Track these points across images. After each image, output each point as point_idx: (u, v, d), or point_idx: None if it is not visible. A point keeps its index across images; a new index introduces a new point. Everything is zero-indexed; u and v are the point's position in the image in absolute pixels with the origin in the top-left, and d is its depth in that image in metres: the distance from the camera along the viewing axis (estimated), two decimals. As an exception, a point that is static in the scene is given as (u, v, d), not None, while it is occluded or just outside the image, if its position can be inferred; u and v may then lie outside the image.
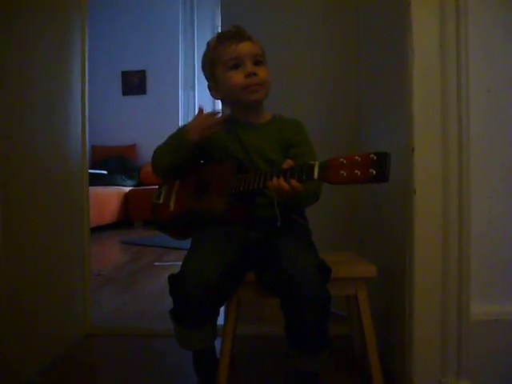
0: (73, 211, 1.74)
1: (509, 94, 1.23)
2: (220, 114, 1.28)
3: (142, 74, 6.67)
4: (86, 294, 1.82)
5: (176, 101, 6.59)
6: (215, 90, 1.33)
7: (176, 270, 1.16)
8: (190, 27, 6.63)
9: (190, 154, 1.27)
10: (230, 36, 1.27)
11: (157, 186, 1.41)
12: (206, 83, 1.35)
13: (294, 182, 1.04)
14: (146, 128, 6.41)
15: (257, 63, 1.26)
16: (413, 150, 1.19)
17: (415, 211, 1.19)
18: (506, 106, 1.23)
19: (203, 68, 1.35)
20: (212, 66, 1.30)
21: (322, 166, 0.99)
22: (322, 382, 1.23)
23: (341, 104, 1.91)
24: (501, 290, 1.24)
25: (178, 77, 6.59)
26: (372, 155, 0.92)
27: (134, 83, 6.68)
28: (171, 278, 1.18)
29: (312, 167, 1.01)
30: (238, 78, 1.24)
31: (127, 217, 5.66)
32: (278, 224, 1.16)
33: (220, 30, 1.54)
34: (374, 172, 0.91)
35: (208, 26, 6.49)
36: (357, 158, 0.94)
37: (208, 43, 1.33)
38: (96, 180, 5.16)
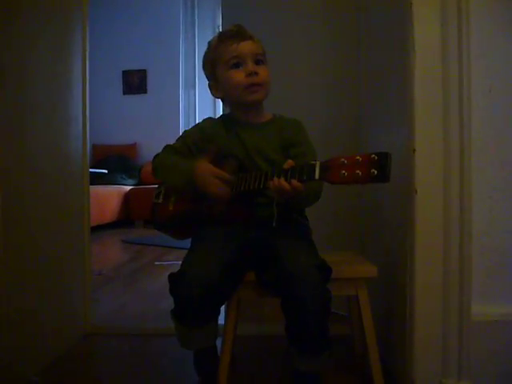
0: (73, 210, 1.74)
1: (511, 93, 1.23)
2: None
3: (142, 74, 6.66)
4: (87, 293, 1.82)
5: (176, 100, 6.59)
6: (216, 89, 1.32)
7: (176, 269, 1.16)
8: (190, 26, 6.63)
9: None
10: (231, 35, 1.27)
11: (157, 186, 1.41)
12: (207, 82, 1.35)
13: (294, 181, 1.04)
14: (146, 127, 6.42)
15: (257, 62, 1.26)
16: (414, 150, 1.18)
17: (416, 211, 1.18)
18: (507, 105, 1.23)
19: (204, 67, 1.35)
20: (213, 65, 1.30)
21: (322, 166, 0.99)
22: (323, 381, 1.23)
23: (341, 104, 1.90)
24: (502, 291, 1.24)
25: (179, 76, 6.59)
26: (373, 155, 0.92)
27: (134, 82, 6.68)
28: (171, 276, 1.18)
29: (313, 167, 1.01)
30: (239, 77, 1.24)
31: (128, 216, 5.66)
32: (273, 224, 1.17)
33: (221, 30, 1.54)
34: (376, 172, 0.91)
35: (209, 26, 6.48)
36: (358, 157, 0.93)
37: (209, 42, 1.33)
38: (96, 179, 5.16)
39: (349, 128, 1.86)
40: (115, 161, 6.28)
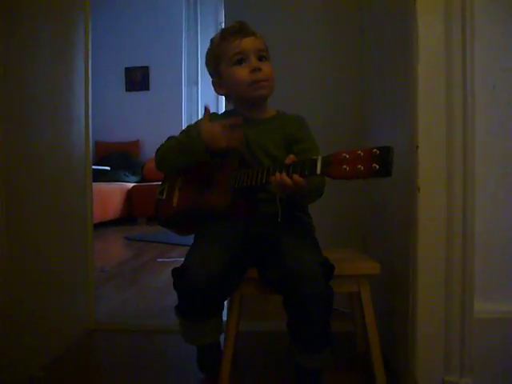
0: (76, 207, 1.75)
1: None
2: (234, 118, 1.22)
3: (145, 71, 6.67)
4: (90, 289, 1.83)
5: (179, 97, 6.60)
6: (219, 85, 1.32)
7: (179, 265, 1.16)
8: (193, 23, 6.63)
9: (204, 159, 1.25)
10: (234, 31, 1.27)
11: (160, 182, 1.41)
12: (210, 79, 1.35)
13: (296, 177, 1.04)
14: (149, 124, 6.42)
15: (261, 58, 1.26)
16: (417, 147, 1.18)
17: (419, 208, 1.18)
18: (511, 102, 1.23)
19: (207, 64, 1.35)
20: (216, 62, 1.30)
21: (324, 161, 0.99)
22: (325, 378, 1.23)
23: (344, 100, 1.90)
24: (504, 289, 1.23)
25: (181, 73, 6.59)
26: (375, 150, 0.91)
27: (137, 79, 6.68)
28: (174, 271, 1.18)
29: (315, 162, 1.00)
30: (242, 73, 1.24)
31: (130, 213, 5.67)
32: (279, 220, 1.16)
33: (223, 26, 1.54)
34: (377, 167, 0.90)
35: (211, 23, 6.49)
36: (359, 152, 0.93)
37: (212, 39, 1.33)
38: (99, 176, 5.17)
39: (351, 124, 1.86)
40: (118, 158, 6.28)
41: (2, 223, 1.24)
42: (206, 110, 1.28)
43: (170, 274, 1.19)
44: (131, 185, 5.88)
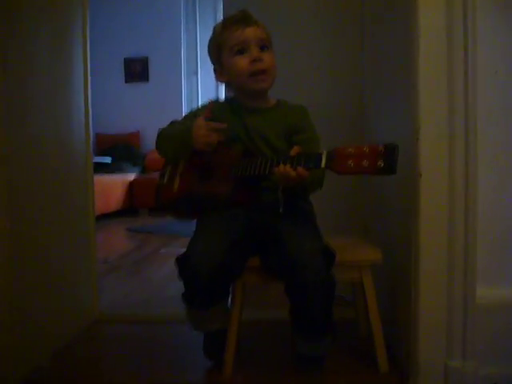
0: (78, 200, 1.75)
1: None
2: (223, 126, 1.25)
3: (144, 61, 6.63)
4: (93, 281, 1.84)
5: (179, 87, 6.56)
6: (220, 73, 1.32)
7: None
8: (192, 13, 6.58)
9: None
10: (236, 21, 1.26)
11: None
12: (210, 69, 1.35)
13: (300, 169, 1.04)
14: (149, 115, 6.39)
15: (263, 48, 1.25)
16: (418, 130, 1.17)
17: (421, 194, 1.18)
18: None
19: (209, 52, 1.34)
20: (218, 51, 1.29)
21: (329, 155, 0.99)
22: (327, 365, 1.24)
23: (345, 92, 1.89)
24: (507, 274, 1.24)
25: (181, 64, 6.55)
26: (380, 147, 0.91)
27: (136, 70, 6.65)
28: (178, 259, 1.19)
29: (320, 156, 1.01)
30: (243, 63, 1.24)
31: (132, 204, 5.67)
32: (280, 210, 1.17)
33: (222, 16, 1.53)
34: (382, 164, 0.90)
35: (210, 13, 6.43)
36: (365, 148, 0.93)
37: (214, 27, 1.32)
38: (100, 168, 5.17)
39: (352, 116, 1.85)
40: (119, 149, 6.27)
41: (5, 216, 1.25)
42: (210, 103, 1.28)
43: (174, 263, 1.19)
44: (132, 176, 5.87)
